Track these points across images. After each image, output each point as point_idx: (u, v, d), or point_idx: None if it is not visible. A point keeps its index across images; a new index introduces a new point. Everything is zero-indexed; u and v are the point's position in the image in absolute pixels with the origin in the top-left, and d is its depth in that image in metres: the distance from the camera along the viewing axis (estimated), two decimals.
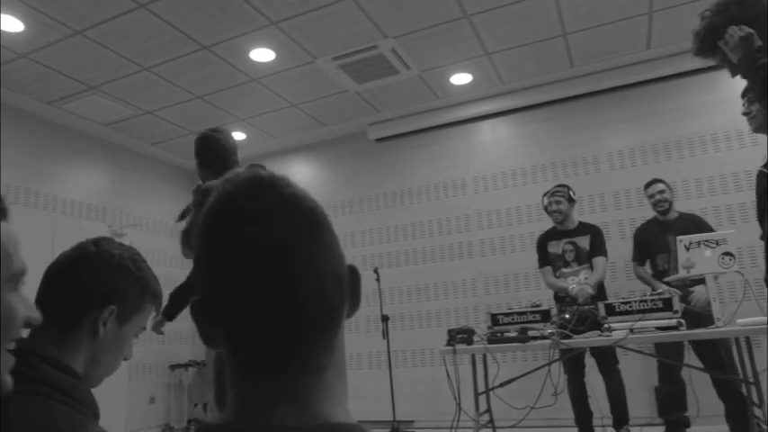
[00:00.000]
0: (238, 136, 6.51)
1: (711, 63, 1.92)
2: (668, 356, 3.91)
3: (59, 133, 5.86)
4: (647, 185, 4.32)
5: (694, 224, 4.08)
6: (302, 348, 0.59)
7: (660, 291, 3.67)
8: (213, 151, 2.86)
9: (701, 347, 3.82)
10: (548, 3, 4.34)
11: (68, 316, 1.01)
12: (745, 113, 2.51)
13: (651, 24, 4.74)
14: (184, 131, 6.31)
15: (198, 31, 4.40)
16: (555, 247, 4.24)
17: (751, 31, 1.72)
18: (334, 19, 4.36)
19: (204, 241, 0.61)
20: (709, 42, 1.84)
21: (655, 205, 4.22)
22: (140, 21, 4.21)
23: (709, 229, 3.99)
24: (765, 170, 2.43)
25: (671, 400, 4.01)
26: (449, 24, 4.54)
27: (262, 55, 4.82)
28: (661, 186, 4.22)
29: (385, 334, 4.61)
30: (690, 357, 3.99)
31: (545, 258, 4.28)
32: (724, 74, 4.83)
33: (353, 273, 0.65)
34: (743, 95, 2.53)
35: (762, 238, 2.68)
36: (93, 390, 1.02)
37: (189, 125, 6.16)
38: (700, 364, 3.81)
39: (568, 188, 4.27)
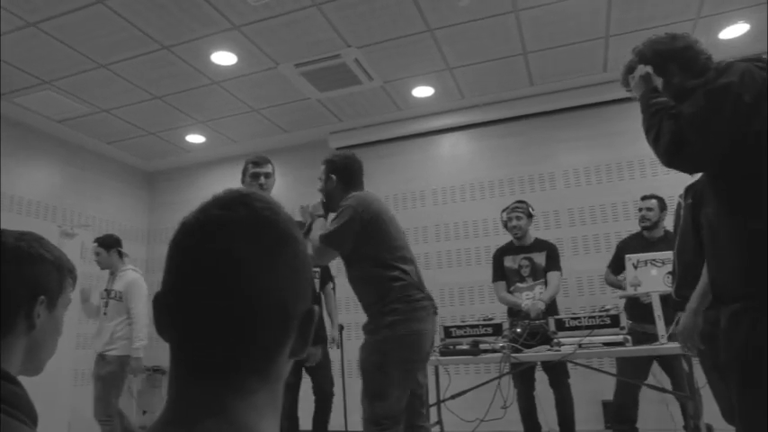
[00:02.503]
0: (197, 139, 6.42)
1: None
2: (624, 371, 3.96)
3: (8, 127, 5.65)
4: (642, 198, 4.19)
5: None
6: (233, 368, 0.59)
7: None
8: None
9: (664, 364, 3.92)
10: (509, 22, 4.43)
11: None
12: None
13: (608, 48, 4.89)
14: (142, 132, 6.18)
15: (158, 30, 4.32)
16: (511, 262, 4.26)
17: (648, 70, 1.77)
18: (298, 26, 4.34)
19: (172, 239, 0.63)
20: (626, 77, 1.90)
21: (639, 220, 4.14)
22: (98, 16, 4.11)
23: None
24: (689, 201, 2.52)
25: (622, 413, 4.08)
26: (412, 37, 4.58)
27: (223, 58, 4.76)
28: (650, 203, 4.09)
29: (339, 344, 4.58)
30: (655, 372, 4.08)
31: (500, 273, 4.30)
32: None
33: (308, 315, 0.64)
34: None
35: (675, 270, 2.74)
36: (34, 395, 0.99)
37: (146, 125, 6.03)
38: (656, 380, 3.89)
39: (527, 204, 4.31)
